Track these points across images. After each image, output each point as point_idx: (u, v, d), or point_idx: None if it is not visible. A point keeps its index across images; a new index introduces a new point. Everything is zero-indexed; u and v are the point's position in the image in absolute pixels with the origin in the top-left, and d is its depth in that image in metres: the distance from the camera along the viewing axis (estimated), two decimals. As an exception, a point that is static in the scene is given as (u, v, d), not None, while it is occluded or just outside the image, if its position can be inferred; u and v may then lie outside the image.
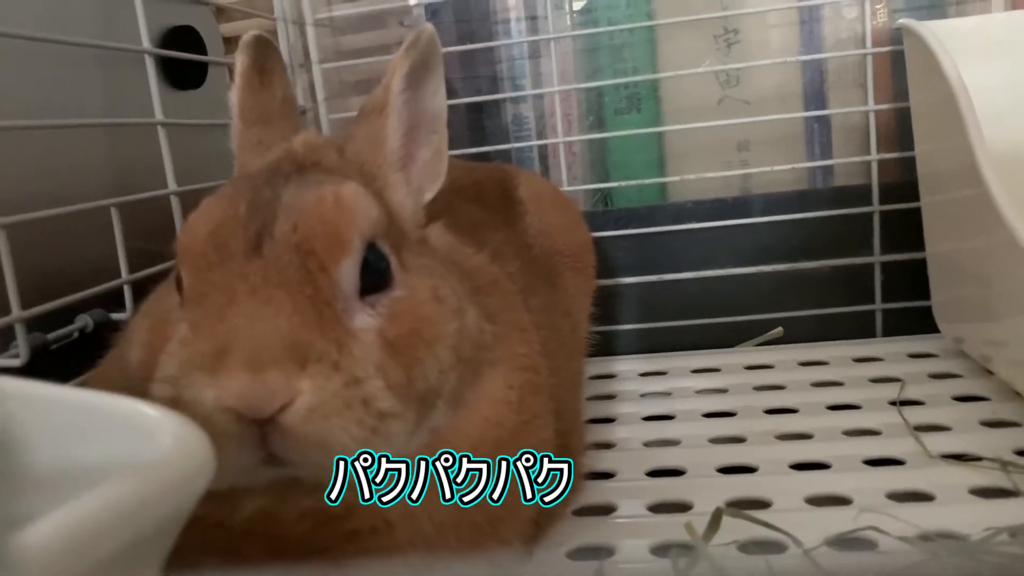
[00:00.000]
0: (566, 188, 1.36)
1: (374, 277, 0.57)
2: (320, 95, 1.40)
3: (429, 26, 0.70)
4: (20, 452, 0.44)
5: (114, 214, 0.89)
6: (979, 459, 0.83)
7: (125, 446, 0.43)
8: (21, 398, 0.45)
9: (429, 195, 0.72)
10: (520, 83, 1.42)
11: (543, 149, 1.43)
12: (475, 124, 1.44)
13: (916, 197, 1.19)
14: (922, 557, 0.66)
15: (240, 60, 0.74)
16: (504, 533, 0.64)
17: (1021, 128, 1.12)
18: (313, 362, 0.50)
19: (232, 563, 0.58)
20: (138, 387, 0.56)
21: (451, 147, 0.74)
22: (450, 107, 0.73)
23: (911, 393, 1.03)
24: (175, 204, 0.99)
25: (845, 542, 0.71)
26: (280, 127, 0.73)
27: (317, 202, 0.56)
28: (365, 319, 0.56)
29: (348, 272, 0.56)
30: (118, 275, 0.91)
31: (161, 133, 0.99)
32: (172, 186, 0.99)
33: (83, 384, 0.72)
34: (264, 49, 0.75)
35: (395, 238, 0.62)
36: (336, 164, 0.65)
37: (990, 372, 1.05)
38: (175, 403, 0.50)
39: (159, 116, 0.99)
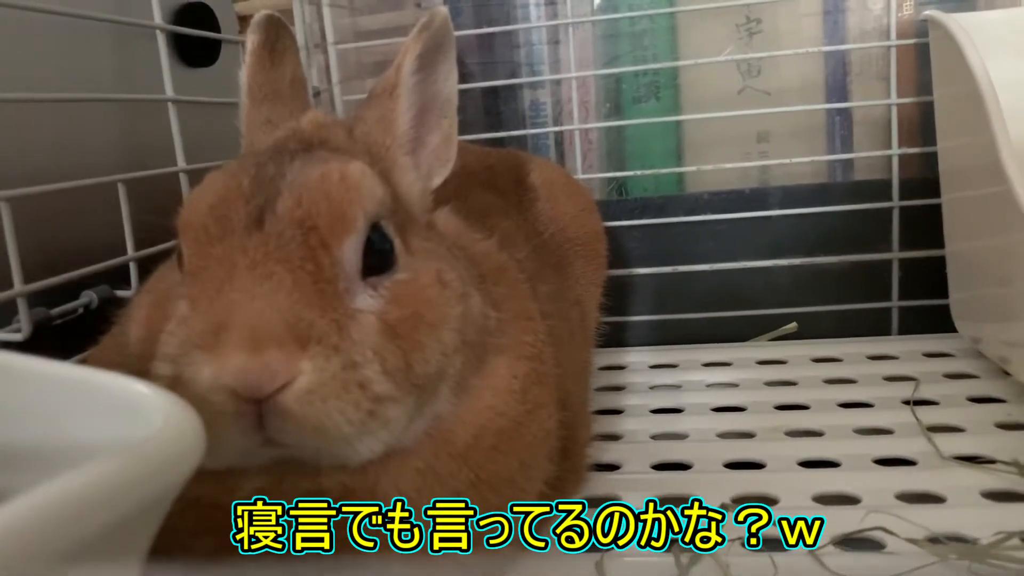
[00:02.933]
0: (581, 176, 1.35)
1: (377, 258, 0.56)
2: (335, 76, 1.39)
3: (443, 9, 0.69)
4: (9, 427, 0.44)
5: (121, 190, 0.89)
6: (993, 462, 0.81)
7: (115, 424, 0.42)
8: (12, 372, 0.45)
9: (438, 180, 0.71)
10: (538, 69, 1.41)
11: (559, 136, 1.42)
12: (491, 109, 1.43)
13: (937, 193, 1.17)
14: (931, 560, 0.64)
15: (251, 39, 0.74)
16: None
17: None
18: (313, 343, 0.50)
19: (228, 544, 0.57)
20: (136, 364, 0.55)
21: (466, 132, 0.73)
22: (466, 92, 0.72)
23: (925, 393, 1.01)
24: (184, 182, 0.98)
25: (852, 542, 0.69)
26: (289, 106, 0.72)
27: (322, 178, 0.56)
28: (366, 300, 0.55)
29: (351, 251, 0.55)
30: (124, 252, 0.90)
31: (171, 110, 0.98)
32: (181, 164, 0.98)
33: (83, 361, 0.71)
34: (276, 28, 0.74)
35: (401, 220, 0.61)
36: (344, 144, 0.65)
37: (1007, 373, 1.03)
38: (176, 382, 0.49)
39: (170, 93, 0.98)
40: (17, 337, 0.75)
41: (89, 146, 0.98)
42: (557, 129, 1.40)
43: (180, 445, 0.39)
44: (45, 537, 0.32)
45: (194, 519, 0.54)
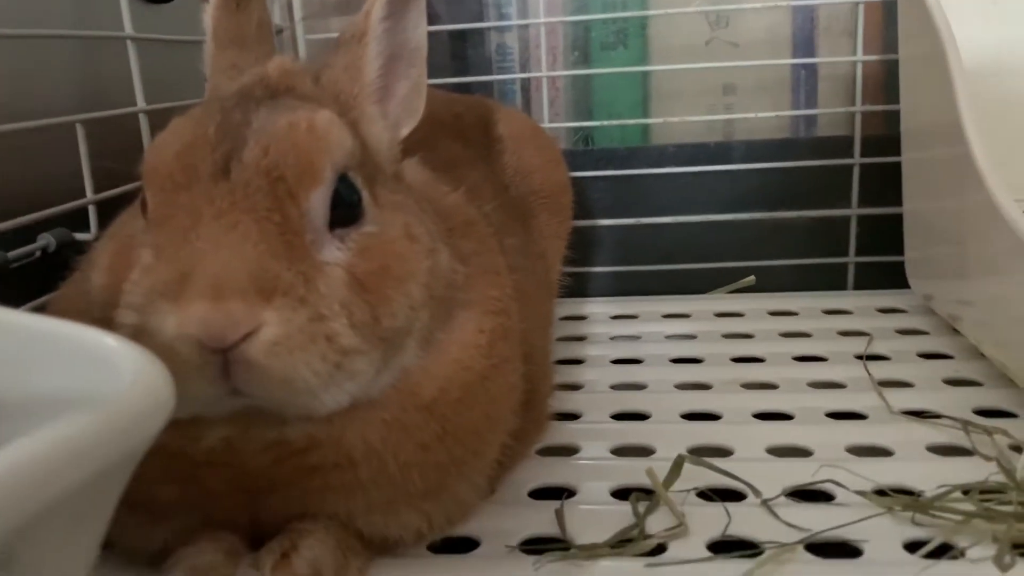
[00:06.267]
0: (547, 125, 1.34)
1: (345, 210, 0.56)
2: (298, 14, 1.36)
3: (412, -48, 0.68)
4: (-26, 378, 0.43)
5: (79, 131, 0.86)
6: (939, 417, 0.84)
7: (84, 377, 0.42)
8: (-24, 322, 0.44)
9: (406, 130, 0.70)
10: (506, 12, 1.39)
11: (526, 82, 1.41)
12: (458, 53, 1.41)
13: (898, 151, 1.19)
14: (877, 511, 0.67)
15: (216, -20, 0.71)
16: (468, 474, 0.65)
17: (1009, 89, 1.11)
18: (279, 295, 0.50)
19: (192, 492, 0.58)
20: (99, 312, 0.55)
21: (432, 76, 0.72)
22: (433, 35, 0.71)
23: (878, 348, 1.04)
24: (143, 122, 0.96)
25: (803, 493, 0.72)
26: (255, 51, 0.71)
27: (289, 128, 0.55)
28: (333, 252, 0.55)
29: (318, 202, 0.54)
30: (83, 194, 0.89)
31: (131, 48, 0.95)
32: (141, 104, 0.96)
33: (43, 307, 0.71)
34: None
35: (369, 172, 0.60)
36: (311, 91, 0.63)
37: (956, 331, 1.06)
38: (140, 331, 0.49)
39: (129, 30, 0.95)
40: (-27, 280, 0.74)
41: (46, 85, 0.95)
42: (524, 76, 1.39)
43: (151, 401, 0.38)
44: (15, 496, 0.31)
45: (158, 468, 0.54)
